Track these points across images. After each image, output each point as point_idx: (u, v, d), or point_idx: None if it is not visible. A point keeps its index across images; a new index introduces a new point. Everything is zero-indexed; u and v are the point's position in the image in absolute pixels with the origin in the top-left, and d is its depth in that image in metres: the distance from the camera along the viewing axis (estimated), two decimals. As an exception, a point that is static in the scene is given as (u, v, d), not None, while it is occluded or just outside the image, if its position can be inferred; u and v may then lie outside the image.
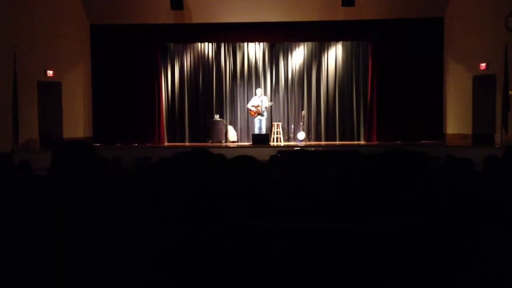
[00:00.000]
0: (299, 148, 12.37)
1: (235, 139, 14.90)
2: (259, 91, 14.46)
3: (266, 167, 2.87)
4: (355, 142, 14.71)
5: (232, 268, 1.83)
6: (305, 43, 15.34)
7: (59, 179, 2.24)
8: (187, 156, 2.33)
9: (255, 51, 15.55)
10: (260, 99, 14.20)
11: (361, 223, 1.94)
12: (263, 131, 14.22)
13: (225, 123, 14.88)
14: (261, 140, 13.40)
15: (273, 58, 15.53)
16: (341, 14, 13.53)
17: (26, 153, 10.17)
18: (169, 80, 15.38)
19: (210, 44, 15.44)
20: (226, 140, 14.76)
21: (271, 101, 14.78)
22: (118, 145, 13.68)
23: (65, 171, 2.23)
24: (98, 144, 13.11)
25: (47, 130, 12.56)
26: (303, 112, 14.78)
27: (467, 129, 12.91)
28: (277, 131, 14.61)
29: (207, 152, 2.38)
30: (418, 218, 2.01)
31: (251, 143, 13.74)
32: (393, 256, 1.86)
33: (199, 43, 15.39)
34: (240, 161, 2.39)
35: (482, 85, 12.55)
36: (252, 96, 14.80)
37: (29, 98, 12.07)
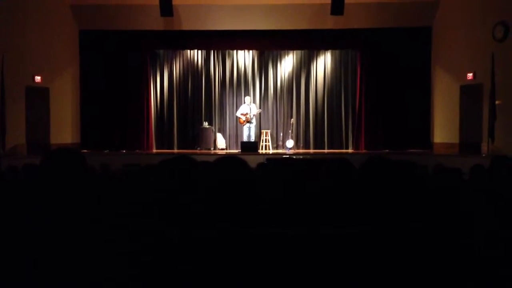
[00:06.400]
0: (287, 156, 12.38)
1: (224, 147, 14.88)
2: (248, 99, 14.47)
3: (254, 171, 2.87)
4: (344, 151, 14.75)
5: (218, 274, 1.82)
6: (294, 51, 15.42)
7: (48, 185, 2.23)
8: (170, 162, 2.33)
9: (244, 58, 15.59)
10: (249, 107, 14.22)
11: (347, 228, 1.94)
12: (252, 139, 14.23)
13: (214, 130, 14.86)
14: (250, 147, 13.40)
15: (262, 66, 15.58)
16: (330, 22, 13.60)
17: (13, 158, 10.08)
18: (158, 86, 15.35)
19: (199, 51, 15.45)
20: (215, 147, 14.73)
21: (259, 108, 14.79)
22: (106, 151, 13.61)
23: (54, 179, 2.22)
24: (85, 151, 13.04)
25: (34, 136, 12.45)
26: (292, 120, 14.82)
27: (454, 138, 12.99)
28: (265, 139, 14.62)
29: (189, 158, 2.39)
30: (409, 224, 2.02)
31: (239, 150, 13.74)
32: (380, 261, 1.87)
33: (189, 50, 15.40)
34: (225, 163, 2.39)
35: (469, 94, 12.64)
36: (241, 104, 14.81)
37: (17, 103, 11.96)
